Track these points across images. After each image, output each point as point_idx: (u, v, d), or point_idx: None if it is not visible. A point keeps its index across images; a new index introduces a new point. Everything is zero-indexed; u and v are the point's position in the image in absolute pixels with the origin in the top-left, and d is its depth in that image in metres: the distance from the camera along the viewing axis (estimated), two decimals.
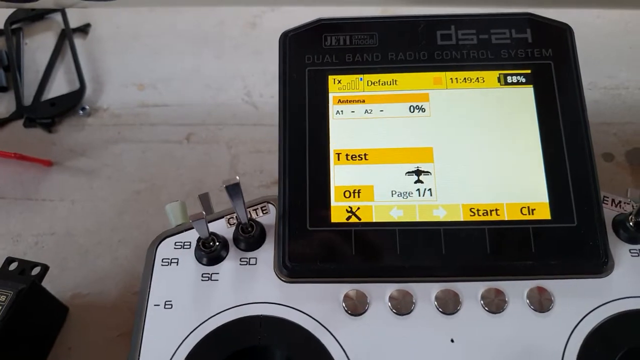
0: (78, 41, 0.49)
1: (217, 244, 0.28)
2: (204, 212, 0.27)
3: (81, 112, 0.45)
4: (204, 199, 0.33)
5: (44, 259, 0.34)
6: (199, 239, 0.28)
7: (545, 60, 0.30)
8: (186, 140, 0.43)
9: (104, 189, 0.41)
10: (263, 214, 0.30)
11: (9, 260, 0.33)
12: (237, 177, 0.26)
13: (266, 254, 0.29)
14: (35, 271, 0.33)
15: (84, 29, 0.49)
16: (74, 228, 0.40)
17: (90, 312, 0.37)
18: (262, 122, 0.43)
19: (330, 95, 0.30)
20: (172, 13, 0.50)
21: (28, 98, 0.46)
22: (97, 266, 0.38)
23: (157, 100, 0.45)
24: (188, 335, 0.27)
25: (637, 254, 0.28)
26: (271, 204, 0.30)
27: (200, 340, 0.27)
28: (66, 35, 0.48)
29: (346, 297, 0.27)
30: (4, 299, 0.30)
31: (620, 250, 0.28)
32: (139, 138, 0.44)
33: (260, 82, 0.44)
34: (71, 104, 0.45)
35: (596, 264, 0.27)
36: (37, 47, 0.49)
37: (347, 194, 0.29)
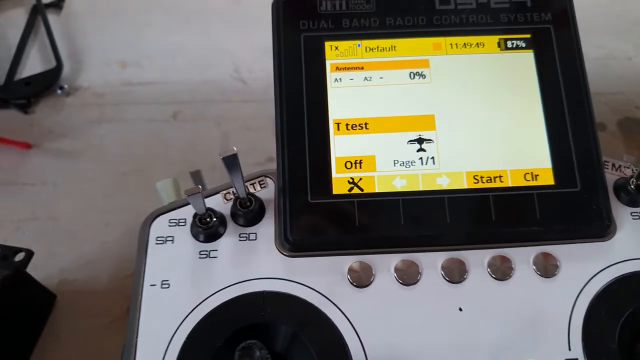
0: (52, 17, 0.46)
1: (215, 219, 0.27)
2: (199, 187, 0.26)
3: (59, 91, 0.42)
4: (196, 176, 0.31)
5: (26, 245, 0.32)
6: (195, 215, 0.27)
7: (545, 25, 0.30)
8: (173, 118, 0.41)
9: (89, 171, 0.40)
10: (261, 188, 0.29)
11: None
12: (235, 148, 0.25)
13: (266, 228, 0.28)
14: (19, 257, 0.31)
15: (57, 4, 0.47)
16: (58, 212, 0.38)
17: (80, 299, 0.35)
18: (251, 99, 0.42)
19: (328, 63, 0.29)
20: None
21: (0, 78, 0.43)
22: (85, 251, 0.37)
23: (141, 78, 0.43)
24: (188, 315, 0.26)
25: (638, 217, 0.28)
26: (269, 177, 0.29)
27: (201, 319, 0.26)
28: (38, 11, 0.46)
29: (350, 270, 0.27)
30: None
31: (622, 214, 0.28)
32: (124, 117, 0.42)
33: (248, 57, 0.43)
34: (48, 83, 0.42)
35: (600, 227, 0.27)
36: (8, 24, 0.46)
37: (348, 165, 0.28)
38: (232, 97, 0.42)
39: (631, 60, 0.42)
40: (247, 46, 0.43)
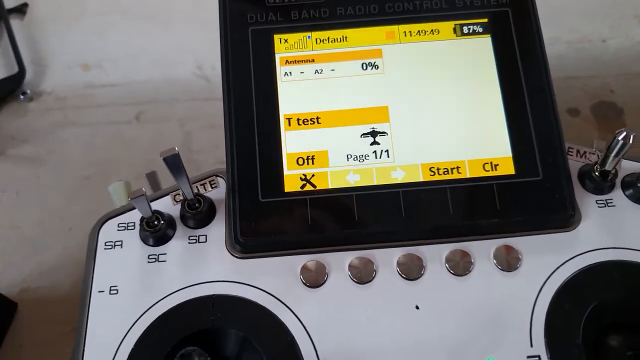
0: (15, 22, 0.45)
1: (162, 222, 0.26)
2: (143, 189, 0.25)
3: (22, 96, 0.42)
4: (151, 178, 0.30)
5: None
6: (142, 219, 0.26)
7: (503, 8, 0.28)
8: (136, 119, 0.40)
9: (51, 176, 0.39)
10: (212, 188, 0.28)
11: None
12: (176, 148, 0.24)
13: (217, 230, 0.27)
14: None
15: (20, 9, 0.46)
16: (19, 220, 0.37)
17: (41, 307, 0.34)
18: (215, 96, 0.41)
19: (277, 56, 0.28)
20: None
21: None
22: (47, 258, 0.36)
23: (104, 81, 0.42)
24: (136, 321, 0.25)
25: (603, 205, 0.27)
26: (220, 177, 0.28)
27: (149, 326, 0.25)
28: (1, 17, 0.45)
29: (304, 269, 0.26)
30: None
31: (587, 202, 0.27)
32: (87, 121, 0.41)
33: (211, 55, 0.42)
34: (10, 89, 0.42)
35: (563, 217, 0.26)
36: None
37: (300, 161, 0.27)
38: (196, 96, 0.41)
39: (605, 42, 0.41)
40: (209, 44, 0.42)
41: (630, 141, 0.25)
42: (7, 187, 0.38)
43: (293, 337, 0.24)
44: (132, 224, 0.27)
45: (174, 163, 0.24)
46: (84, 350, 0.25)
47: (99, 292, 0.26)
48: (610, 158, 0.26)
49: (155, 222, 0.26)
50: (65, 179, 0.38)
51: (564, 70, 0.40)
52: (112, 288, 0.26)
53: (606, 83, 0.40)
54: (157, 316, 0.25)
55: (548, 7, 0.40)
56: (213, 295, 0.25)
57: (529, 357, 0.23)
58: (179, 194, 0.28)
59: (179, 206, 0.27)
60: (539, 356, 0.23)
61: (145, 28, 0.44)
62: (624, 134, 0.25)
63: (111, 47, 0.43)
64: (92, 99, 0.42)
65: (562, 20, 0.43)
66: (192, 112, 0.40)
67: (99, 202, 0.37)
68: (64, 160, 0.39)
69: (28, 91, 0.42)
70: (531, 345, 0.24)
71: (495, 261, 0.25)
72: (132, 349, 0.24)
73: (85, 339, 0.25)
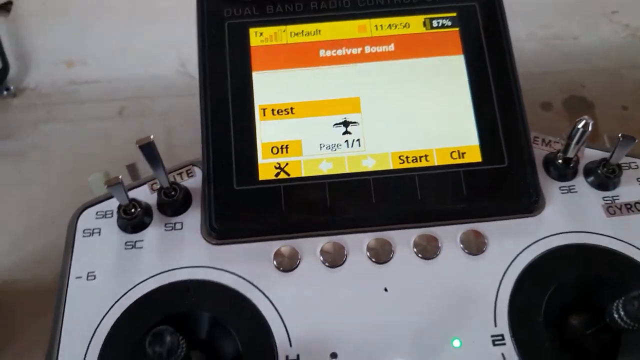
0: None
1: (139, 209, 0.27)
2: (120, 176, 0.26)
3: (5, 92, 0.42)
4: (131, 169, 0.31)
5: None
6: (119, 206, 0.27)
7: (470, 2, 0.30)
8: (118, 115, 0.41)
9: (34, 172, 0.39)
10: (189, 177, 0.29)
11: None
12: (152, 136, 0.25)
13: (192, 218, 0.27)
14: None
15: (4, 7, 0.46)
16: (2, 215, 0.38)
17: (21, 299, 0.35)
18: (197, 93, 0.41)
19: (252, 49, 0.29)
20: None
21: None
22: (29, 251, 0.36)
23: (88, 77, 0.43)
24: (113, 306, 0.25)
25: (566, 191, 0.28)
26: (197, 166, 0.29)
27: (126, 309, 0.25)
28: None
29: (277, 254, 0.26)
30: None
31: (551, 188, 0.28)
32: (70, 117, 0.41)
33: (195, 51, 0.42)
34: None
35: (527, 203, 0.27)
36: None
37: (274, 150, 0.28)
38: (178, 92, 0.41)
39: (577, 39, 0.42)
40: (192, 40, 0.43)
41: (589, 129, 0.26)
42: None
43: (265, 320, 0.25)
44: (110, 212, 0.28)
45: (149, 151, 0.25)
46: (60, 333, 0.25)
47: (77, 278, 0.26)
48: (572, 146, 0.27)
49: (132, 210, 0.27)
50: (48, 174, 0.39)
51: (537, 66, 0.41)
52: (89, 274, 0.26)
53: (577, 78, 0.41)
54: (133, 300, 0.25)
55: (523, 3, 0.41)
56: (187, 280, 0.26)
57: (492, 335, 0.24)
58: (156, 183, 0.28)
59: (155, 195, 0.28)
60: (502, 335, 0.24)
61: (129, 25, 0.45)
62: (584, 122, 0.26)
63: (95, 44, 0.44)
64: (75, 95, 0.42)
65: (535, 16, 0.44)
66: (174, 108, 0.41)
67: (82, 196, 0.38)
68: (46, 155, 0.40)
69: (11, 87, 0.42)
70: (495, 325, 0.25)
71: (462, 245, 0.26)
72: (109, 332, 0.25)
73: (62, 324, 0.25)
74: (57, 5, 0.47)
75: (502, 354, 0.24)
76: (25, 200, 0.38)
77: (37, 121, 0.41)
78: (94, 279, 0.26)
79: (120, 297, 0.26)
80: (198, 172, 0.29)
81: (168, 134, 0.40)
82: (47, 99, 0.42)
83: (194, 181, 0.29)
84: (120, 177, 0.25)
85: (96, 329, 0.25)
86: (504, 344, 0.24)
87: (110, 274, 0.26)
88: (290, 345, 0.24)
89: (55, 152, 0.40)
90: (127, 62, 0.43)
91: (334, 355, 0.24)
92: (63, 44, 0.45)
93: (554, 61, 0.41)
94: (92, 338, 0.25)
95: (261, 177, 0.27)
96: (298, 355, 0.24)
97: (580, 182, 0.28)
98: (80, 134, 0.40)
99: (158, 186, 0.28)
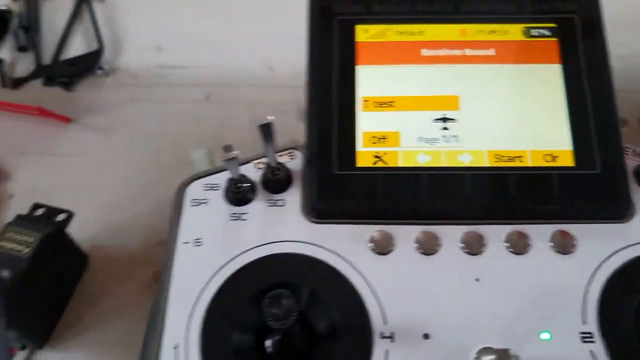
0: (96, 3, 0.49)
1: (247, 184, 0.29)
2: (234, 152, 0.27)
3: (99, 71, 0.45)
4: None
5: None
6: (229, 180, 0.29)
7: (570, 15, 0.31)
8: (205, 100, 0.43)
9: (123, 146, 0.42)
10: (290, 159, 0.30)
11: (36, 206, 0.33)
12: (273, 117, 0.27)
13: (293, 196, 0.29)
14: (61, 217, 0.33)
15: None
16: (92, 183, 0.40)
17: (110, 263, 0.37)
18: (280, 85, 0.43)
19: (358, 44, 0.31)
20: None
21: (47, 58, 0.46)
22: (116, 219, 0.38)
23: (175, 62, 0.45)
24: (217, 272, 0.27)
25: None
26: (297, 150, 0.31)
27: (229, 276, 0.27)
28: None
29: (372, 238, 0.28)
30: (32, 240, 0.30)
31: None
32: (158, 98, 0.44)
33: (277, 46, 0.45)
34: (90, 64, 0.45)
35: (619, 209, 0.28)
36: (56, 8, 0.49)
37: (373, 140, 0.29)
38: (262, 83, 0.43)
39: None
40: (276, 35, 0.45)
41: None
42: (82, 152, 0.41)
43: (361, 297, 0.26)
44: (217, 185, 0.30)
45: (267, 131, 0.27)
46: (169, 294, 0.27)
47: (184, 243, 0.28)
48: None
49: (240, 185, 0.29)
50: (136, 149, 0.41)
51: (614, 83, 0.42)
52: (196, 240, 0.28)
53: None
54: (237, 268, 0.27)
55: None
56: (288, 253, 0.27)
57: (581, 332, 0.25)
58: (260, 162, 0.30)
59: (259, 173, 0.30)
60: (591, 333, 0.25)
61: (218, 14, 0.47)
62: None
63: (184, 31, 0.46)
64: (163, 78, 0.44)
65: (615, 36, 0.45)
66: (258, 99, 0.43)
67: (167, 173, 0.40)
68: (135, 132, 0.42)
69: (105, 67, 0.45)
70: (583, 323, 0.25)
71: (551, 244, 0.27)
72: (213, 296, 0.27)
73: (170, 284, 0.27)
74: None
75: (591, 352, 0.25)
76: (115, 172, 0.40)
77: (126, 100, 0.44)
78: (201, 245, 0.28)
79: (226, 264, 0.27)
80: (298, 155, 0.30)
81: (252, 123, 0.41)
82: (136, 80, 0.45)
83: (294, 163, 0.30)
84: (236, 152, 0.27)
85: (202, 291, 0.27)
86: (593, 342, 0.25)
87: (215, 242, 0.28)
88: (385, 323, 0.26)
89: (143, 129, 0.42)
90: (214, 51, 0.45)
91: (426, 336, 0.25)
92: (153, 30, 0.47)
93: (631, 80, 0.42)
94: (198, 300, 0.27)
95: (359, 164, 0.29)
96: (392, 333, 0.25)
97: None
98: (167, 115, 0.43)
99: (262, 165, 0.30)
